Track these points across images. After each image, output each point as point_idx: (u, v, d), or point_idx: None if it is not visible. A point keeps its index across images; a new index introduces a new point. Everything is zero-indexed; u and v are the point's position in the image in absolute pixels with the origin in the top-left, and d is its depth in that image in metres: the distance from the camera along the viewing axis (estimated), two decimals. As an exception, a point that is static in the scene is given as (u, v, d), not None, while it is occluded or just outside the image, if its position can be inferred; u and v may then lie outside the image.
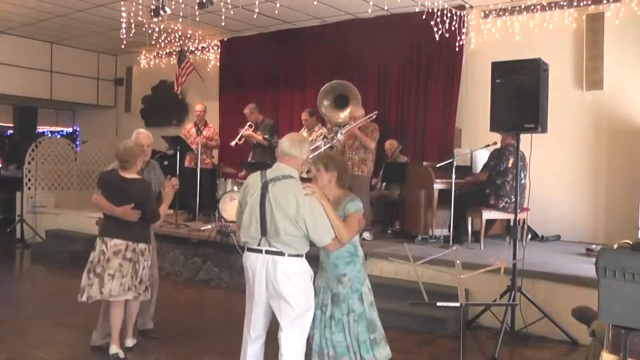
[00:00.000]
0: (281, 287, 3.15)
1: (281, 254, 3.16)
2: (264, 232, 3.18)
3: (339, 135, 6.94)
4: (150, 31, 8.98)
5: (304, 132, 8.00)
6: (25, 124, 9.94)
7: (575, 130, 7.33)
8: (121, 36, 8.41)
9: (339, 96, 8.15)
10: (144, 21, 8.34)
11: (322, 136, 7.76)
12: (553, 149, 7.19)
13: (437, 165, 6.75)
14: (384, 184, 8.06)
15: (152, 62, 11.43)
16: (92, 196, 4.39)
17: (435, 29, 7.42)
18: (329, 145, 7.51)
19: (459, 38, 7.68)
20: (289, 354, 3.19)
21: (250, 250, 3.27)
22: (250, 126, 8.28)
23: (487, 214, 6.47)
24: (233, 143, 8.17)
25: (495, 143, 6.54)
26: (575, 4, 7.31)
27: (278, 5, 7.73)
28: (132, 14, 7.99)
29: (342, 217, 3.28)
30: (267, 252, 3.18)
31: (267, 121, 8.44)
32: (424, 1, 7.33)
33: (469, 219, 6.57)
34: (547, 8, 7.52)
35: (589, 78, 7.27)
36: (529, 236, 6.95)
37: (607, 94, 7.18)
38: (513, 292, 4.80)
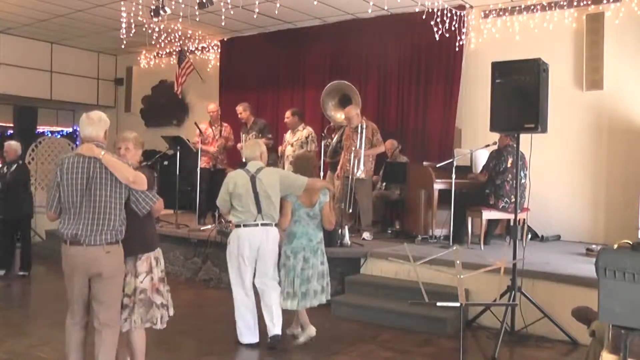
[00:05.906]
0: (270, 248, 4.55)
1: (270, 225, 4.54)
2: (259, 210, 4.48)
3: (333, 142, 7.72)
4: (150, 31, 8.97)
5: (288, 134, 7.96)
6: (25, 124, 9.95)
7: (575, 130, 7.33)
8: (121, 36, 8.42)
9: (343, 96, 8.11)
10: (144, 21, 8.34)
11: (308, 136, 7.71)
12: (553, 149, 7.19)
13: (437, 165, 6.75)
14: (384, 184, 8.06)
15: (152, 62, 11.43)
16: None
17: (435, 29, 7.42)
18: (332, 147, 7.72)
19: (459, 38, 7.69)
20: (275, 285, 4.62)
21: (247, 226, 4.49)
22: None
23: (487, 214, 6.47)
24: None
25: (495, 143, 6.55)
26: (575, 4, 7.31)
27: (278, 5, 7.73)
28: (132, 14, 8.00)
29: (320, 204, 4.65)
30: (262, 224, 4.50)
31: (260, 121, 8.24)
32: (424, 1, 7.33)
33: (469, 219, 6.57)
34: (547, 8, 7.52)
35: (589, 78, 7.28)
36: (529, 236, 6.95)
37: (607, 94, 7.18)
38: (513, 292, 4.80)
